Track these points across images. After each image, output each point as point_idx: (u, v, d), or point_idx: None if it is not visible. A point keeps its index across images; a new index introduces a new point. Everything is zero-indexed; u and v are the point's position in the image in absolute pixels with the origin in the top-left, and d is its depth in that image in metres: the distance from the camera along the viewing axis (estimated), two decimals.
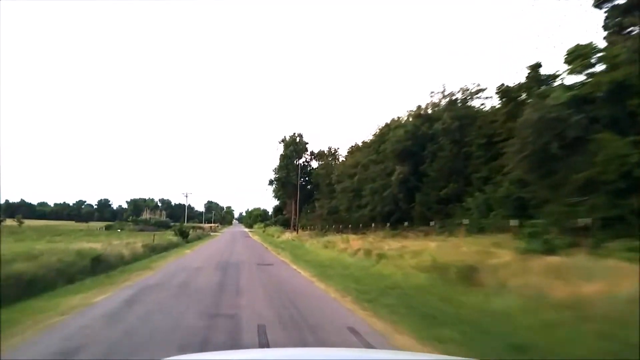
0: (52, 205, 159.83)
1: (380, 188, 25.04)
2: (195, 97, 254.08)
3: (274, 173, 70.64)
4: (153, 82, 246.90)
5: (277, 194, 78.36)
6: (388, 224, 25.26)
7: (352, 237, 22.51)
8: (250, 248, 29.73)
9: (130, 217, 77.06)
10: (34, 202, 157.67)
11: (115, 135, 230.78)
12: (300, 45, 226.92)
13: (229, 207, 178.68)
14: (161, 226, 71.54)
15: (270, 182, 71.88)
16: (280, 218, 74.10)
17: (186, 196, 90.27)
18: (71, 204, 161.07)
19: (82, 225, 79.62)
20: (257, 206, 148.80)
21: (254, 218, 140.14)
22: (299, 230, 44.00)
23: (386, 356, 2.99)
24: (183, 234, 35.16)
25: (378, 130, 30.32)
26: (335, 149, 46.86)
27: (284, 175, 67.84)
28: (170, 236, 33.99)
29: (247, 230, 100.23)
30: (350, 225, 34.50)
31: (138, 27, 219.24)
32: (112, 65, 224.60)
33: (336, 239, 23.83)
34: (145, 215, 72.77)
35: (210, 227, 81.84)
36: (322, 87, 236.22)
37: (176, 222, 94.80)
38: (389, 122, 29.84)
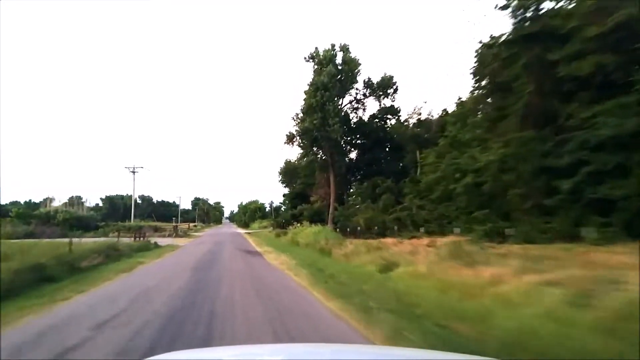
0: (23, 203, 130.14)
1: None
2: (180, 74, 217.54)
3: (294, 123, 36.39)
4: (129, 60, 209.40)
5: (292, 176, 44.94)
6: None
7: None
8: None
9: (16, 210, 40.85)
10: (6, 201, 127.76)
11: (90, 122, 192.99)
12: None
13: (217, 203, 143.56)
14: (79, 227, 36.98)
15: (290, 138, 37.56)
16: (306, 209, 39.71)
17: (133, 172, 51.50)
18: (38, 202, 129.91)
19: None
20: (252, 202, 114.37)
21: (251, 214, 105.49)
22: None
23: (389, 353, 2.62)
24: None
25: None
26: None
27: (317, 122, 33.51)
28: None
29: (242, 231, 63.09)
30: None
31: None
32: (85, 47, 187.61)
33: None
34: (47, 207, 38.91)
35: (175, 227, 46.04)
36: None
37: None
38: None
